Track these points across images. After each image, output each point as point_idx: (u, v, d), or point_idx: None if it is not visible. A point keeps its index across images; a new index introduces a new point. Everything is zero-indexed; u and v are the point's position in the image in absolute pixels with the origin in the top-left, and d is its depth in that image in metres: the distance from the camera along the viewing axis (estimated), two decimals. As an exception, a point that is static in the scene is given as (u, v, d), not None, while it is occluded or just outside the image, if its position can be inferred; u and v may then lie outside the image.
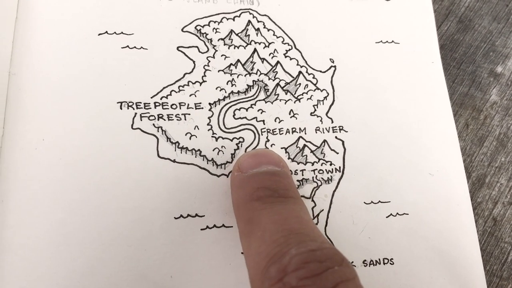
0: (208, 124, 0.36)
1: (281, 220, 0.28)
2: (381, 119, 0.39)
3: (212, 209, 0.34)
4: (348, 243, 0.36)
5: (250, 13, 0.40)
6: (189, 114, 0.36)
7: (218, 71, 0.38)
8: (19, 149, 0.33)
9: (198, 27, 0.39)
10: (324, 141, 0.38)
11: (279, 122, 0.38)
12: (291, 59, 0.40)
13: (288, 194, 0.31)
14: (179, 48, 0.38)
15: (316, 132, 0.38)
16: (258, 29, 0.40)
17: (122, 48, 0.36)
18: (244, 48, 0.39)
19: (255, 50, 0.39)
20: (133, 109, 0.35)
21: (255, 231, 0.28)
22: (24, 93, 0.34)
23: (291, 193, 0.31)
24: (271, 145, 0.37)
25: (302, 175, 0.37)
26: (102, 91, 0.35)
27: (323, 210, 0.36)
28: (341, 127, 0.38)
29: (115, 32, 0.37)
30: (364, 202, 0.37)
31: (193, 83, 0.37)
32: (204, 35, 0.39)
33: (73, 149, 0.33)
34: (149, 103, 0.36)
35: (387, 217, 0.37)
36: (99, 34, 0.36)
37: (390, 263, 0.36)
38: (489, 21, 0.48)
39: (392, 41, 0.42)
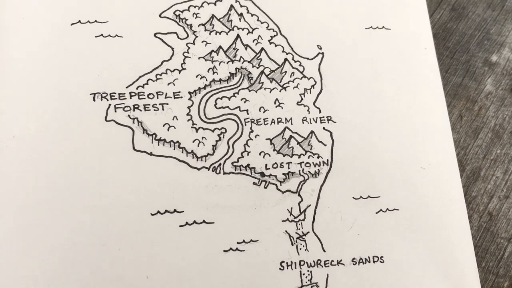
0: (187, 114, 0.35)
1: None
2: (371, 109, 0.38)
3: (192, 204, 0.33)
4: (337, 240, 0.34)
5: (233, -3, 0.39)
6: (167, 104, 0.34)
7: (199, 58, 0.36)
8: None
9: (177, 12, 0.37)
10: (312, 132, 0.36)
11: (263, 112, 0.36)
12: (276, 45, 0.38)
13: None
14: (157, 35, 0.36)
15: (303, 123, 0.36)
16: (241, 14, 0.38)
17: (96, 37, 0.35)
18: (227, 34, 0.38)
19: (238, 36, 0.38)
20: (107, 100, 0.34)
21: None
22: (-7, 88, 0.33)
23: None
24: (255, 136, 0.35)
25: (288, 168, 0.35)
26: (74, 83, 0.34)
27: (310, 205, 0.35)
28: (329, 118, 0.37)
29: (88, 21, 0.35)
30: (353, 197, 0.35)
31: (171, 71, 0.35)
32: (184, 20, 0.37)
33: (45, 145, 0.32)
34: (124, 93, 0.34)
35: (376, 213, 0.35)
36: (71, 24, 0.35)
37: (380, 261, 0.34)
38: (483, 9, 0.46)
39: (383, 27, 0.41)
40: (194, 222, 0.32)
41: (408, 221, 0.35)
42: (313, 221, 0.34)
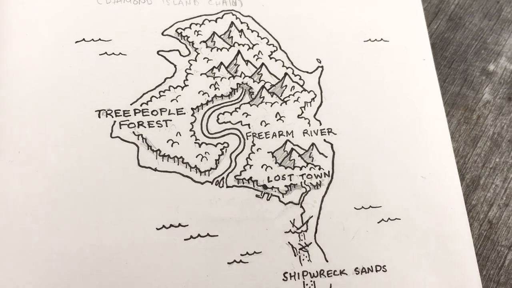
0: (190, 130, 0.35)
1: None
2: (371, 120, 0.38)
3: (196, 218, 0.33)
4: (339, 250, 0.35)
5: (233, 14, 0.40)
6: (171, 120, 0.35)
7: (201, 74, 0.37)
8: (-7, 162, 0.32)
9: (179, 30, 0.38)
10: (312, 144, 0.37)
11: (265, 126, 0.37)
12: (276, 60, 0.39)
13: None
14: (160, 52, 0.37)
15: (304, 135, 0.37)
16: (241, 31, 0.39)
17: (100, 55, 0.36)
18: (228, 50, 0.38)
19: (238, 52, 0.38)
20: (112, 117, 0.34)
21: None
22: (0, 105, 0.33)
23: None
24: (257, 149, 0.36)
25: (290, 180, 0.36)
26: (79, 100, 0.34)
27: (312, 216, 0.35)
28: (329, 130, 0.38)
29: (92, 39, 0.36)
30: (355, 208, 0.36)
31: (174, 88, 0.36)
32: (186, 38, 0.38)
33: (50, 162, 0.33)
34: (129, 110, 0.35)
35: (378, 222, 0.36)
36: (76, 42, 0.36)
37: (383, 270, 0.35)
38: (480, 18, 0.47)
39: (381, 39, 0.41)
40: (199, 235, 0.33)
41: (410, 230, 0.36)
42: (316, 232, 0.35)
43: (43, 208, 0.32)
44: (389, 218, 0.36)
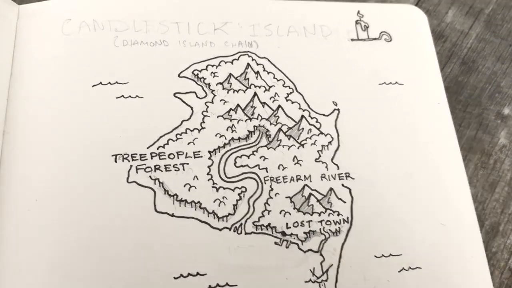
0: (208, 174, 0.35)
1: None
2: (388, 165, 0.38)
3: (215, 266, 0.32)
4: (360, 300, 0.34)
5: (249, 56, 0.40)
6: (188, 163, 0.35)
7: (217, 116, 0.37)
8: (11, 211, 0.31)
9: (196, 72, 0.38)
10: (331, 189, 0.36)
11: (282, 170, 0.36)
12: (292, 102, 0.39)
13: None
14: (176, 95, 0.36)
15: (322, 180, 0.37)
16: (257, 72, 0.39)
17: (117, 98, 0.35)
18: (244, 92, 0.38)
19: (255, 94, 0.38)
20: (129, 161, 0.34)
21: None
22: (17, 152, 0.33)
23: None
24: (275, 194, 0.35)
25: (309, 226, 0.35)
26: (96, 144, 0.34)
27: (332, 265, 0.34)
28: (347, 174, 0.37)
29: (109, 82, 0.36)
30: (375, 256, 0.35)
31: (191, 131, 0.36)
32: (202, 79, 0.38)
33: (67, 209, 0.32)
34: (145, 154, 0.34)
35: (399, 271, 0.35)
36: (93, 86, 0.35)
37: (406, 322, 0.34)
38: (493, 62, 0.47)
39: (396, 82, 0.41)
40: (217, 285, 0.32)
41: (431, 280, 0.35)
42: (336, 282, 0.34)
43: (60, 258, 0.31)
44: (409, 267, 0.35)
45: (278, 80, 0.39)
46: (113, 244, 0.31)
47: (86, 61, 0.37)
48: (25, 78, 0.35)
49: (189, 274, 0.32)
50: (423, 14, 0.45)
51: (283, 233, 0.34)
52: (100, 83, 0.35)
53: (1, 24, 0.36)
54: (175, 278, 0.32)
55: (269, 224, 0.34)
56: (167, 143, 0.35)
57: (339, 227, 0.35)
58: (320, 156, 0.37)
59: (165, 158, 0.34)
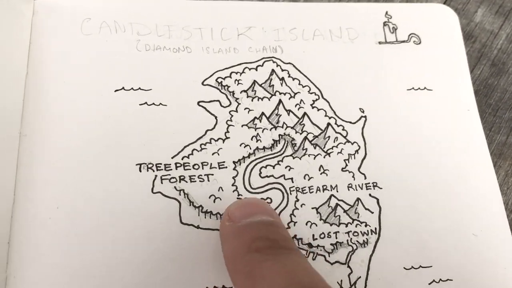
0: (233, 185, 0.34)
1: (288, 273, 0.26)
2: (417, 174, 0.37)
3: (241, 279, 0.32)
4: (389, 314, 0.33)
5: (274, 62, 0.39)
6: (213, 174, 0.34)
7: (242, 126, 0.36)
8: (31, 219, 0.31)
9: (219, 79, 0.37)
10: (358, 199, 0.36)
11: (308, 180, 0.36)
12: (318, 110, 0.38)
13: (289, 245, 0.29)
14: (200, 103, 0.36)
15: (349, 190, 0.36)
16: (282, 79, 0.38)
17: (140, 105, 0.35)
18: (269, 100, 0.38)
19: (280, 101, 0.38)
20: (153, 171, 0.33)
21: (258, 285, 0.26)
22: (36, 156, 0.32)
23: (291, 244, 0.29)
24: (301, 205, 0.35)
25: (336, 238, 0.34)
26: (120, 152, 0.33)
27: (360, 277, 0.34)
28: (375, 184, 0.36)
29: (132, 88, 0.35)
30: (404, 268, 0.34)
31: (215, 140, 0.35)
32: (226, 87, 0.37)
33: (90, 218, 0.31)
34: (170, 164, 0.34)
35: (429, 283, 0.34)
36: (115, 91, 0.35)
37: (436, 337, 0.33)
38: (524, 63, 0.46)
39: (425, 88, 0.40)
40: (244, 298, 0.32)
41: (463, 292, 0.34)
42: (365, 294, 0.34)
43: (81, 269, 0.31)
44: (440, 279, 0.35)
45: (303, 87, 0.39)
46: (137, 256, 0.31)
47: (108, 64, 0.36)
48: (41, 78, 0.35)
49: (214, 287, 0.31)
50: (454, 13, 0.44)
51: (310, 245, 0.34)
52: (123, 88, 0.35)
53: (16, 19, 0.35)
54: (200, 291, 0.31)
55: (295, 236, 0.34)
56: (192, 153, 0.34)
57: (366, 238, 0.35)
58: (346, 165, 0.37)
59: (190, 169, 0.34)
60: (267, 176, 0.35)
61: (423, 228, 0.36)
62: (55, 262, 0.30)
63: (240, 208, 0.31)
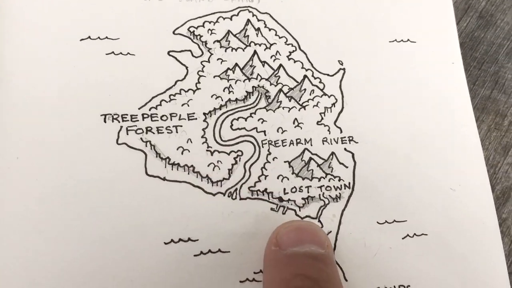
0: (202, 137, 0.33)
1: None
2: (396, 128, 0.36)
3: (207, 232, 0.32)
4: (360, 268, 0.33)
5: (250, 11, 0.38)
6: (181, 126, 0.33)
7: (214, 76, 0.35)
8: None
9: (192, 29, 0.36)
10: (332, 153, 0.35)
11: (282, 133, 0.35)
12: (295, 61, 0.37)
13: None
14: (170, 53, 0.35)
15: (323, 144, 0.35)
16: (258, 29, 0.37)
17: (106, 54, 0.34)
18: (243, 51, 0.36)
19: (255, 52, 0.36)
20: (119, 122, 0.32)
21: None
22: (-5, 105, 0.31)
23: (333, 285, 0.28)
24: (273, 159, 0.34)
25: (308, 192, 0.34)
26: (84, 103, 0.32)
27: (331, 231, 0.33)
28: (351, 138, 0.35)
29: (99, 37, 0.34)
30: (377, 222, 0.34)
31: (185, 91, 0.34)
32: (198, 37, 0.36)
33: (51, 169, 0.31)
34: (137, 115, 0.33)
35: (403, 238, 0.34)
36: (81, 40, 0.34)
37: (407, 291, 0.33)
38: (513, 16, 0.45)
39: (408, 40, 0.39)
40: (209, 251, 0.31)
41: (438, 247, 0.34)
42: (334, 248, 0.33)
43: (41, 219, 0.30)
44: (415, 234, 0.34)
45: (280, 38, 0.37)
46: (100, 207, 0.30)
47: (73, 12, 0.34)
48: (4, 26, 0.33)
49: (180, 240, 0.31)
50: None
51: (280, 199, 0.33)
52: (89, 37, 0.34)
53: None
54: (165, 243, 0.31)
55: (265, 190, 0.33)
56: (160, 104, 0.33)
57: (339, 193, 0.34)
58: (322, 118, 0.36)
59: (158, 120, 0.33)
60: (238, 129, 0.34)
61: (398, 182, 0.35)
62: (13, 214, 0.30)
63: (289, 234, 0.30)
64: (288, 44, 0.37)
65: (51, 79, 0.32)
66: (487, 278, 0.34)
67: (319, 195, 0.34)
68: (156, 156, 0.32)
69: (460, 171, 0.36)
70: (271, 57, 0.37)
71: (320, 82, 0.37)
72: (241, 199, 0.33)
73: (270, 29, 0.37)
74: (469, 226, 0.35)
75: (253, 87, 0.35)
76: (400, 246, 0.34)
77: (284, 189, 0.33)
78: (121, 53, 0.34)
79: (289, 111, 0.35)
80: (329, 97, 0.36)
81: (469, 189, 0.36)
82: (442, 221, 0.35)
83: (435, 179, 0.35)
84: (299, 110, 0.35)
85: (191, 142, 0.33)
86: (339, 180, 0.34)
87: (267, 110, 0.35)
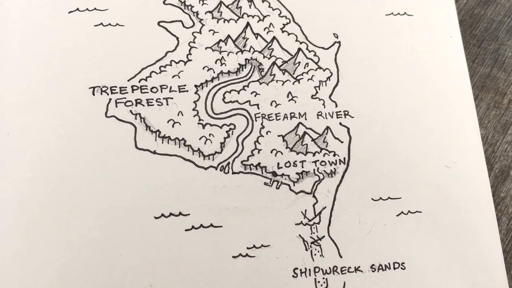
0: (193, 110, 0.34)
1: None
2: (392, 103, 0.37)
3: (199, 206, 0.32)
4: (354, 245, 0.33)
5: (242, -18, 0.38)
6: (172, 98, 0.34)
7: (206, 48, 0.35)
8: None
9: (183, -2, 0.36)
10: (327, 128, 0.35)
11: (275, 106, 0.35)
12: (289, 34, 0.37)
13: None
14: (160, 23, 0.35)
15: (318, 118, 0.35)
16: (251, 1, 0.37)
17: (95, 26, 0.34)
18: (236, 22, 0.37)
19: (248, 24, 0.37)
20: (108, 94, 0.33)
21: None
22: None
23: None
24: (267, 132, 0.34)
25: (302, 167, 0.34)
26: (72, 75, 0.33)
27: (325, 207, 0.34)
28: (346, 112, 0.36)
29: (87, 9, 0.34)
30: (372, 199, 0.34)
31: (176, 63, 0.34)
32: (189, 7, 0.36)
33: (41, 143, 0.31)
34: (126, 87, 0.33)
35: (397, 215, 0.34)
36: (69, 12, 0.34)
37: (401, 268, 0.34)
38: (514, -8, 0.45)
39: (405, 13, 0.39)
40: (201, 226, 0.32)
41: (432, 224, 0.35)
42: (329, 225, 0.34)
43: (31, 193, 0.31)
44: (409, 211, 0.35)
45: (273, 10, 0.38)
46: (89, 180, 0.31)
47: None
48: None
49: (171, 214, 0.31)
50: None
51: (274, 173, 0.34)
52: (77, 9, 0.34)
53: None
54: (156, 217, 0.31)
55: (258, 164, 0.34)
56: (150, 76, 0.34)
57: (334, 168, 0.35)
58: (317, 92, 0.36)
59: (147, 92, 0.33)
60: (231, 102, 0.35)
61: (394, 159, 0.35)
62: (4, 189, 0.30)
63: None
64: (281, 17, 0.38)
65: (39, 53, 0.33)
66: (481, 255, 0.35)
67: (314, 170, 0.34)
68: (146, 129, 0.33)
69: (455, 149, 0.37)
70: (265, 29, 0.37)
71: (315, 55, 0.37)
72: (233, 173, 0.33)
73: (263, 1, 0.38)
74: (464, 203, 0.35)
75: (245, 59, 0.36)
76: (394, 223, 0.34)
77: (278, 163, 0.34)
78: (109, 24, 0.34)
79: (283, 84, 0.36)
80: (324, 70, 0.37)
81: (465, 167, 0.36)
82: (436, 199, 0.35)
83: (430, 156, 0.36)
84: (293, 84, 0.36)
85: (182, 114, 0.33)
86: (334, 155, 0.35)
87: (260, 83, 0.35)
